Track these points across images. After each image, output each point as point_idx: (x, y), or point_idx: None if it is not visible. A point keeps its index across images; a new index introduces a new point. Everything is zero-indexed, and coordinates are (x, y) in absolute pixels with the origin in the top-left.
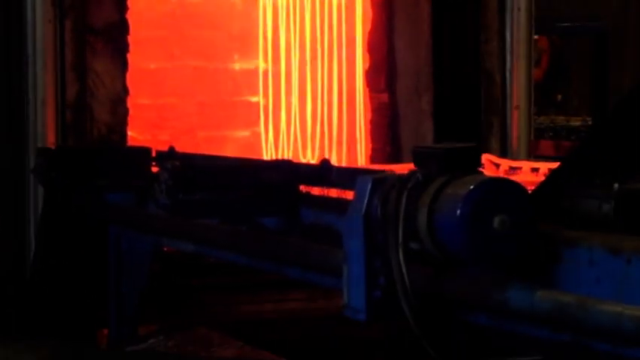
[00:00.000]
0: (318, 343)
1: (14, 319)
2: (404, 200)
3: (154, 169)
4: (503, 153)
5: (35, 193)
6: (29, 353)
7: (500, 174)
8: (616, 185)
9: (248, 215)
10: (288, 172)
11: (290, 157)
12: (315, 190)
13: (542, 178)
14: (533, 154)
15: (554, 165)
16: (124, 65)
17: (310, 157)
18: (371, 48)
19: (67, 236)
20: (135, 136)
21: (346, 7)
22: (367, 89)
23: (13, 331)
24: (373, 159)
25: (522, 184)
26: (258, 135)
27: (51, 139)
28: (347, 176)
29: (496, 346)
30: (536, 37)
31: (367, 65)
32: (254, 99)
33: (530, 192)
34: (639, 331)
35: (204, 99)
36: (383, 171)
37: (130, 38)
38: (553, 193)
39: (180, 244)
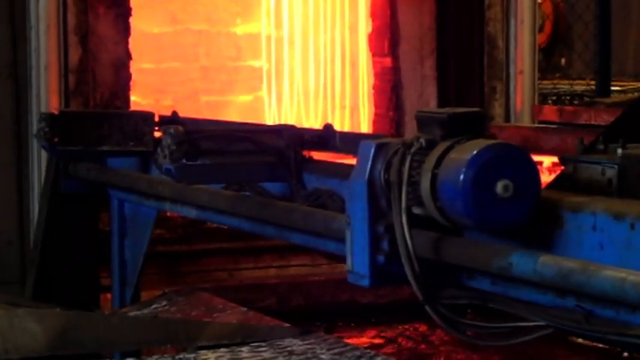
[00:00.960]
0: (321, 308)
1: (17, 285)
2: (407, 165)
3: (157, 134)
4: (507, 118)
5: (39, 158)
6: (33, 320)
7: None
8: (619, 150)
9: (251, 180)
10: (291, 137)
11: (293, 122)
12: (324, 156)
13: (545, 173)
14: (537, 120)
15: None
16: (126, 29)
17: (313, 123)
18: (374, 12)
19: (69, 202)
20: (138, 100)
21: None
22: (370, 54)
23: (17, 297)
24: (376, 124)
25: None
26: (261, 100)
27: (54, 104)
28: (350, 141)
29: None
30: (539, 0)
31: (370, 29)
32: (257, 64)
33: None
34: None
35: (207, 63)
36: (386, 136)
37: (132, 2)
38: None
39: (183, 210)
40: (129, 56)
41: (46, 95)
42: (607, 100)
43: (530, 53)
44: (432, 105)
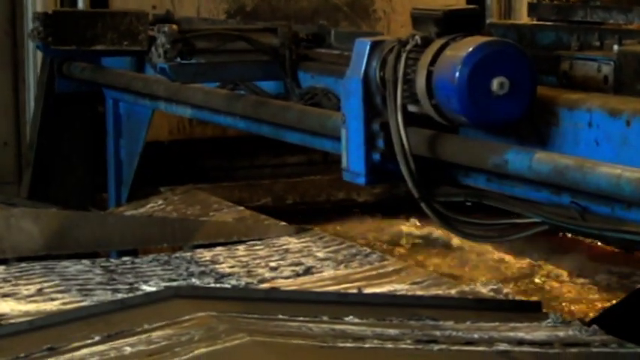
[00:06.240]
0: (315, 206)
1: (14, 186)
2: (402, 63)
3: (152, 33)
4: (507, 15)
5: (34, 58)
6: (29, 219)
7: None
8: (616, 47)
9: (246, 79)
10: (286, 35)
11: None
12: None
13: None
14: (535, 18)
15: None
16: None
17: None
18: None
19: (64, 102)
20: None
21: None
22: None
23: (13, 198)
24: None
25: None
26: None
27: (49, 4)
28: (345, 39)
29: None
30: None
31: None
32: None
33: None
34: (637, 193)
35: None
36: (381, 33)
37: None
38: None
39: (178, 109)
40: None
41: None
42: None
43: None
44: None
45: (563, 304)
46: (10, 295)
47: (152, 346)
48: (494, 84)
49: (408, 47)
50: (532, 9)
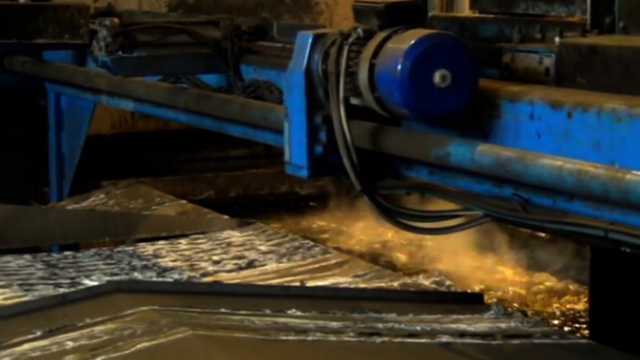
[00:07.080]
0: (258, 199)
1: None
2: (345, 55)
3: (93, 27)
4: (449, 8)
5: None
6: None
7: None
8: (557, 39)
9: (188, 72)
10: (228, 28)
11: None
12: None
13: None
14: (477, 10)
15: None
16: None
17: None
18: None
19: (5, 96)
20: None
21: None
22: None
23: None
24: None
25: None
26: None
27: None
28: (288, 32)
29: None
30: None
31: None
32: None
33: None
34: (579, 185)
35: None
36: (324, 26)
37: None
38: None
39: (120, 103)
40: None
41: None
42: None
43: None
44: None
45: None
46: None
47: (94, 341)
48: (436, 77)
49: (351, 40)
50: (474, 2)
